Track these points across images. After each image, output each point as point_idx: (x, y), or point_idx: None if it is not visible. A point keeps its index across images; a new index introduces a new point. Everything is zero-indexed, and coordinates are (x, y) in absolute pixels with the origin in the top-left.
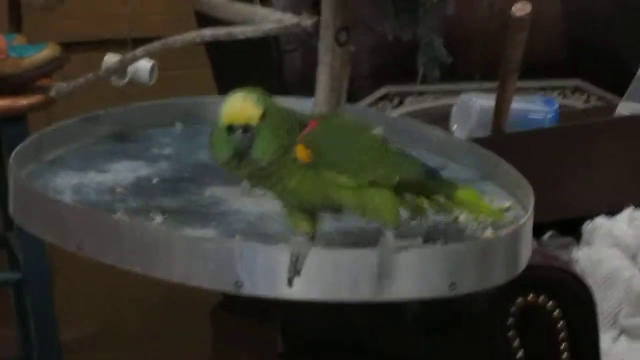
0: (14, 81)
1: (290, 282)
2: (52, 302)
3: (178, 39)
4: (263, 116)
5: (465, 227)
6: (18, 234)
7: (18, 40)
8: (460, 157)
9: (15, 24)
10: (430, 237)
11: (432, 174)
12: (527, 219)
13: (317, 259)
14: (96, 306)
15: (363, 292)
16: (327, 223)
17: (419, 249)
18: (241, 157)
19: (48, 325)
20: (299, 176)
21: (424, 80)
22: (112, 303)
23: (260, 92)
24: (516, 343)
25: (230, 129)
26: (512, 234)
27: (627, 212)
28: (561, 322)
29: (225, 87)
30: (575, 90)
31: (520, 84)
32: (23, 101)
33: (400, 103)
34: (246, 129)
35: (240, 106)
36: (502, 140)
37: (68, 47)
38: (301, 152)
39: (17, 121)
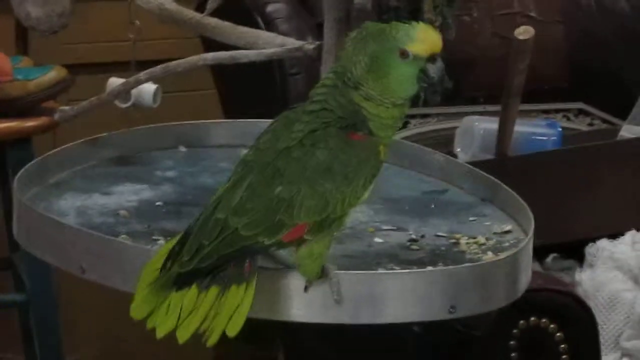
0: (20, 103)
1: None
2: (57, 323)
3: (181, 62)
4: None
5: (464, 250)
6: (23, 256)
7: (24, 63)
8: (461, 180)
9: (22, 47)
10: (430, 260)
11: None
12: (526, 243)
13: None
14: (101, 328)
15: (362, 315)
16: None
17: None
18: (434, 86)
19: (53, 347)
20: None
21: (426, 104)
22: (117, 325)
23: None
24: None
25: (432, 59)
26: (512, 257)
27: (630, 235)
28: (563, 345)
29: (230, 109)
30: (579, 113)
31: (523, 107)
32: (29, 123)
33: (405, 126)
34: (434, 58)
35: (437, 35)
36: (505, 163)
37: (72, 68)
38: None
39: (22, 143)
